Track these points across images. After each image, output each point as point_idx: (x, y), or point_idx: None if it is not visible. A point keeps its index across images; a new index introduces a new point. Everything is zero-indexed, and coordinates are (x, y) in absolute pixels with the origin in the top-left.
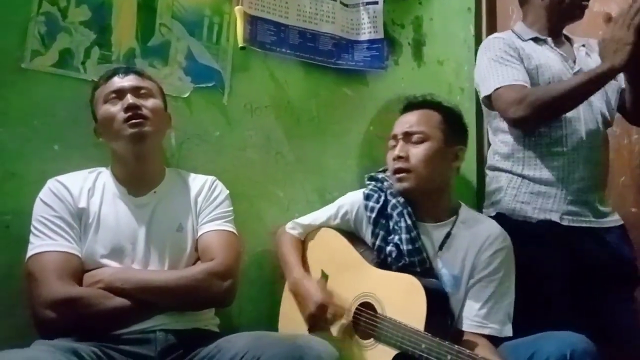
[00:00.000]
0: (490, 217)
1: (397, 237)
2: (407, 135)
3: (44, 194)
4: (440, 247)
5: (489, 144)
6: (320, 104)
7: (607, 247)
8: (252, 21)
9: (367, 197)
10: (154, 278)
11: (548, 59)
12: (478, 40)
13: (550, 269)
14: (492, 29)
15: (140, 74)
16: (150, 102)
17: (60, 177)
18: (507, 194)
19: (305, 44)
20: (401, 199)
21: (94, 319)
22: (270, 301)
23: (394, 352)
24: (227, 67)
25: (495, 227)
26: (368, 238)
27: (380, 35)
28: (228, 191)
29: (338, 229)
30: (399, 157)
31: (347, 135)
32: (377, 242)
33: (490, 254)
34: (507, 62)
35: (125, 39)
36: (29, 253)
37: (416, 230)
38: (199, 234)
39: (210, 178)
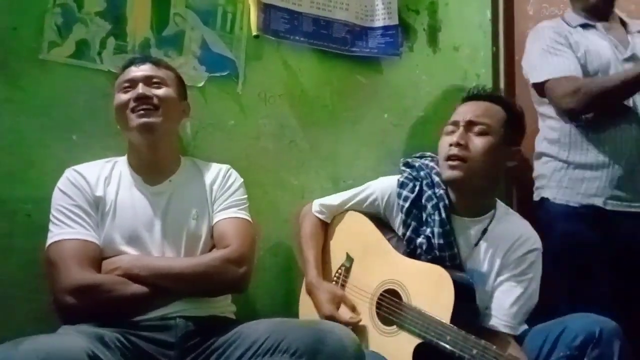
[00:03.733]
0: (535, 202)
1: (429, 230)
2: (470, 124)
3: (62, 183)
4: (476, 244)
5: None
6: (334, 91)
7: None
8: (266, 9)
9: (402, 185)
10: (170, 265)
11: (597, 46)
12: (494, 25)
13: (592, 253)
14: (508, 13)
15: (156, 63)
16: (162, 91)
17: (78, 167)
18: (552, 179)
19: (318, 32)
20: (438, 191)
21: (113, 305)
22: (285, 288)
23: (417, 340)
24: (241, 55)
25: (527, 228)
26: (398, 227)
27: (395, 21)
28: (242, 179)
29: (366, 213)
30: (457, 144)
31: (361, 123)
32: (408, 233)
33: (521, 254)
34: (558, 51)
35: (140, 29)
36: (49, 241)
37: (450, 225)
38: (214, 221)
39: (225, 166)
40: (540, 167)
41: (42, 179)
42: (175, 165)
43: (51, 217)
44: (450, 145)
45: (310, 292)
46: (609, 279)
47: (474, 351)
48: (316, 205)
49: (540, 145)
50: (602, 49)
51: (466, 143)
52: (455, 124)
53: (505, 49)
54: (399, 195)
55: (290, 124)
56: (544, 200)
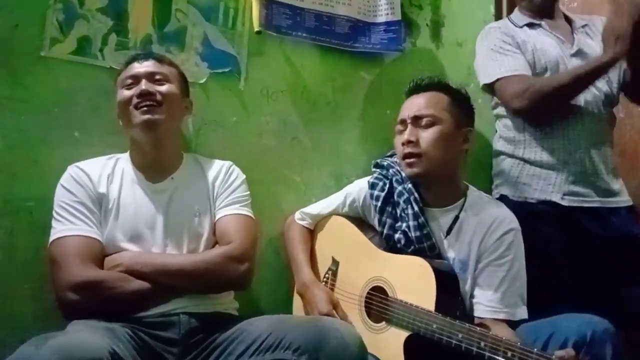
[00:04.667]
0: (496, 199)
1: (404, 225)
2: (416, 119)
3: (64, 179)
4: (448, 232)
5: None
6: (337, 88)
7: (613, 228)
8: (268, 5)
9: (372, 186)
10: (172, 262)
11: (544, 44)
12: (498, 20)
13: (550, 249)
14: (511, 8)
15: (159, 59)
16: (164, 88)
17: (80, 163)
18: (510, 176)
19: (321, 27)
20: (407, 186)
21: (115, 302)
22: (287, 285)
23: (405, 334)
24: (243, 52)
25: (502, 210)
26: (377, 226)
27: (398, 16)
28: (244, 176)
29: (347, 216)
30: (408, 142)
31: (364, 120)
32: (385, 231)
33: (497, 237)
34: (506, 51)
35: (141, 25)
36: (51, 238)
37: (424, 217)
38: (216, 218)
39: (227, 163)
40: (497, 165)
41: (44, 176)
42: (177, 162)
43: (54, 214)
44: (403, 144)
45: (304, 292)
46: (570, 276)
47: (459, 335)
48: (298, 214)
49: (497, 143)
50: (548, 47)
51: (417, 139)
52: (403, 122)
53: None
54: (371, 196)
55: (292, 120)
56: (502, 197)
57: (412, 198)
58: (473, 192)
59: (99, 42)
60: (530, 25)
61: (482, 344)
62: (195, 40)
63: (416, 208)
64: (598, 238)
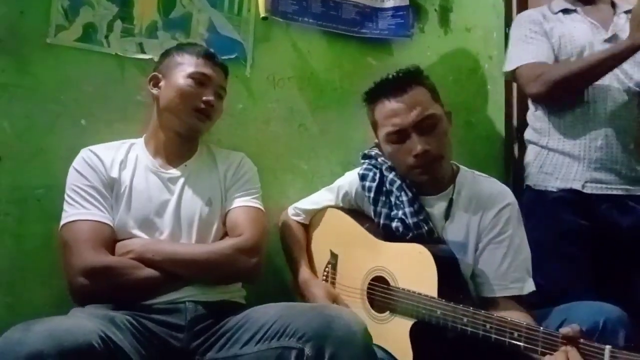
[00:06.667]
0: (523, 190)
1: (400, 212)
2: (418, 125)
3: (77, 163)
4: (447, 217)
5: (517, 114)
6: (344, 74)
7: (635, 216)
8: None
9: (363, 178)
10: (183, 251)
11: (573, 30)
12: (507, 6)
13: (572, 235)
14: None
15: (225, 70)
16: (220, 105)
17: (94, 147)
18: (534, 166)
19: (328, 13)
20: (398, 173)
21: (125, 288)
22: None
23: (410, 322)
24: (249, 38)
25: (496, 186)
26: (373, 217)
27: (405, 1)
28: (256, 168)
29: (342, 207)
30: (425, 152)
31: None
32: (382, 221)
33: (494, 214)
34: (530, 39)
35: (147, 12)
36: (63, 221)
37: (418, 202)
38: (227, 209)
39: (240, 154)
40: (527, 155)
41: (52, 164)
42: (192, 151)
43: (66, 197)
44: (415, 156)
45: (303, 291)
46: (589, 262)
47: (464, 319)
48: (291, 209)
49: (526, 133)
50: (578, 33)
51: (428, 145)
52: (402, 132)
53: None
54: (363, 187)
55: (299, 107)
56: (526, 187)
57: (404, 184)
58: (463, 172)
59: (105, 29)
60: (565, 11)
61: (488, 326)
62: (200, 26)
63: (410, 194)
64: (618, 226)
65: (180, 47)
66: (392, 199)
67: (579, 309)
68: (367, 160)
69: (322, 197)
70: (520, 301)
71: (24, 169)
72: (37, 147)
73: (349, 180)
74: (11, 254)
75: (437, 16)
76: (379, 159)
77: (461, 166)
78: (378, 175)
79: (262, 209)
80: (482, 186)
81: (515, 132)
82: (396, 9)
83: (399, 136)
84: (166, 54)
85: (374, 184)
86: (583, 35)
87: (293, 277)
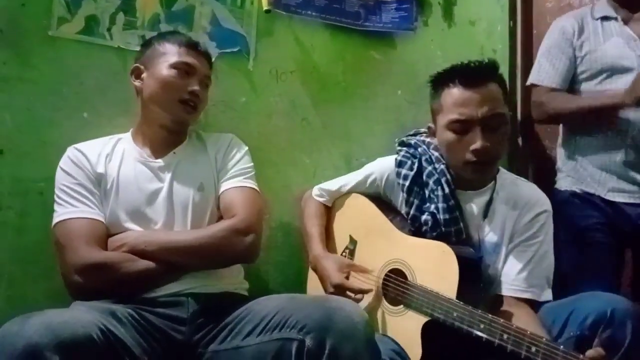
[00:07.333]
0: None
1: (433, 206)
2: (486, 121)
3: (63, 162)
4: (485, 216)
5: (521, 108)
6: (347, 68)
7: None
8: None
9: (400, 164)
10: (176, 238)
11: (606, 45)
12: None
13: (595, 226)
14: None
15: (210, 59)
16: (205, 94)
17: (79, 145)
18: (563, 169)
19: (331, 6)
20: (439, 167)
21: (121, 282)
22: (297, 266)
23: (424, 319)
24: (252, 31)
25: (534, 191)
26: (401, 206)
27: None
28: (247, 147)
29: (367, 195)
30: (485, 149)
31: (374, 100)
32: (412, 211)
33: (530, 218)
34: (553, 57)
35: (149, 5)
36: (54, 221)
37: (454, 200)
38: (220, 191)
39: (229, 135)
40: (559, 160)
41: (53, 157)
42: (180, 139)
43: (55, 197)
44: (474, 151)
45: (316, 266)
46: (613, 253)
47: (481, 325)
48: (316, 189)
49: (560, 139)
50: (610, 49)
51: (490, 144)
52: (467, 123)
53: (523, 23)
54: (398, 174)
55: (302, 101)
56: (554, 191)
57: (443, 179)
58: (503, 173)
59: (107, 22)
60: (605, 18)
61: (505, 336)
62: (203, 19)
63: (447, 190)
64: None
65: (162, 36)
66: (427, 191)
67: (587, 300)
68: (404, 148)
69: (349, 181)
70: (532, 307)
71: (25, 162)
72: (38, 140)
73: (380, 168)
74: (12, 247)
75: (441, 9)
76: (419, 149)
77: (501, 167)
78: (417, 165)
79: (256, 188)
80: (521, 189)
81: (519, 126)
82: (400, 2)
83: (463, 126)
84: (147, 44)
85: (411, 173)
86: (615, 52)
87: (308, 251)
